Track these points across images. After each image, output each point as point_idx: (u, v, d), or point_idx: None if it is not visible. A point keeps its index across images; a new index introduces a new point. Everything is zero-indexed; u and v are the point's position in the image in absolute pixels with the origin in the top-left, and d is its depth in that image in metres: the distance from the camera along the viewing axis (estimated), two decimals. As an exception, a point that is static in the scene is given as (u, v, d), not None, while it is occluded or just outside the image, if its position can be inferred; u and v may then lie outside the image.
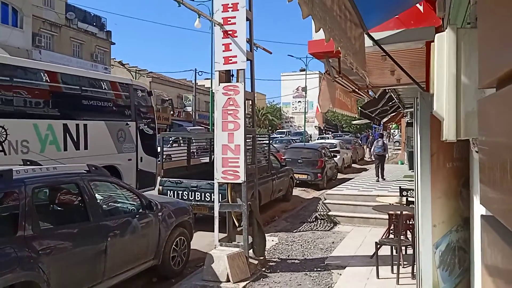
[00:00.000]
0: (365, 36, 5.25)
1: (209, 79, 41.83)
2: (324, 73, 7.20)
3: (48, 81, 8.06)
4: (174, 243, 5.81)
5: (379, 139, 14.24)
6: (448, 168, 2.72)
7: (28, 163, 5.13)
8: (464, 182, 2.64)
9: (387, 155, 14.38)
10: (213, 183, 7.59)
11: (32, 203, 4.00)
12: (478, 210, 2.01)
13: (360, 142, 32.87)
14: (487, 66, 0.95)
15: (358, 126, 55.27)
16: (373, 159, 15.34)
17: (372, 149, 16.34)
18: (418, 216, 2.71)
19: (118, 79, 10.60)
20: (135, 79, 37.57)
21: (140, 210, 5.38)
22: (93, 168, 5.03)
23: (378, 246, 5.72)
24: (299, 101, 74.29)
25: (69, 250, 4.17)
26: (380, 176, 12.66)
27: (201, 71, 38.12)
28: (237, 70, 6.20)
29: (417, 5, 5.54)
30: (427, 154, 2.68)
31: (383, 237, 6.55)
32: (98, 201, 4.90)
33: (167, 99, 24.15)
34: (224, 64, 6.05)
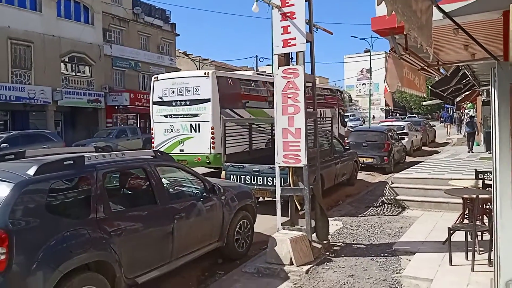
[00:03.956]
0: (434, 8, 4.87)
1: (270, 65, 41.80)
2: (390, 51, 6.82)
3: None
4: (238, 226, 5.90)
5: (469, 120, 17.32)
6: (529, 147, 2.41)
7: (100, 150, 5.45)
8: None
9: (476, 133, 16.83)
10: (275, 167, 7.60)
11: (103, 187, 4.23)
12: None
13: (445, 121, 36.75)
14: None
15: (429, 107, 52.42)
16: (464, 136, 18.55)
17: (463, 129, 21.55)
18: (496, 200, 2.44)
19: (335, 87, 24.09)
20: (199, 68, 38.59)
21: (204, 194, 5.51)
22: (159, 153, 5.22)
23: (451, 231, 5.38)
24: (363, 83, 71.97)
25: (138, 231, 4.38)
26: (470, 148, 15.13)
27: (262, 57, 38.04)
28: (296, 52, 6.07)
29: (492, -29, 5.05)
30: (506, 132, 2.38)
31: (457, 222, 6.15)
32: (164, 185, 5.08)
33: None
34: (283, 47, 5.95)
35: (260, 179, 8.30)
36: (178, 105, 12.19)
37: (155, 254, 4.56)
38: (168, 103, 12.34)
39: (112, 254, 3.99)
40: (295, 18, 5.82)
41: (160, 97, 12.56)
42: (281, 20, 5.90)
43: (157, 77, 13.03)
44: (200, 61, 40.69)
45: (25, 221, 3.49)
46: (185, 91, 12.09)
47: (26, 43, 23.18)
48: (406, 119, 33.76)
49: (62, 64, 25.69)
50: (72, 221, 3.88)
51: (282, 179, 6.15)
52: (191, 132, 11.64)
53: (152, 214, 4.64)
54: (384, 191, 9.23)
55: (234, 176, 8.53)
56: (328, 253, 5.77)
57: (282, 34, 5.92)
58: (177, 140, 12.25)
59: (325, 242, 6.01)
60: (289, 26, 5.87)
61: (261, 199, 8.39)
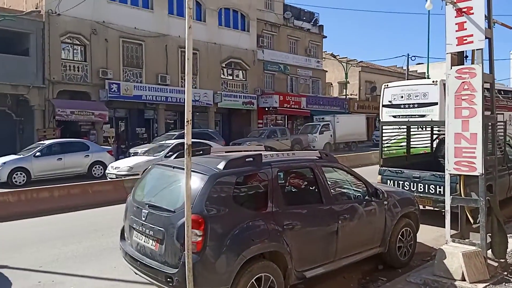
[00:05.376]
0: None
1: (422, 63, 38.96)
2: None
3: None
4: (400, 234, 5.70)
5: None
6: None
7: (269, 149, 5.86)
8: None
9: None
10: (438, 174, 7.10)
11: (278, 183, 4.55)
12: None
13: None
14: None
15: None
16: None
17: None
18: None
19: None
20: (345, 70, 38.18)
21: (366, 197, 5.46)
22: (325, 155, 5.37)
23: None
24: (537, 83, 61.87)
25: (307, 227, 4.57)
26: None
27: (414, 56, 35.67)
28: (472, 50, 5.60)
29: None
30: None
31: None
32: (328, 185, 5.20)
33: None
34: (457, 45, 5.55)
35: (420, 186, 7.84)
36: (406, 108, 13.94)
37: (321, 251, 4.71)
38: (397, 106, 14.14)
39: (284, 246, 4.26)
40: (472, 13, 5.39)
41: (390, 101, 14.29)
42: (455, 17, 5.52)
43: (387, 85, 14.87)
44: (347, 62, 40.18)
45: (216, 209, 3.97)
46: (413, 96, 13.85)
47: (193, 51, 26.07)
48: None
49: (221, 69, 28.31)
50: (252, 213, 4.25)
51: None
52: (417, 130, 12.74)
53: (319, 213, 4.79)
54: None
55: (391, 181, 8.24)
56: (506, 273, 5.16)
57: (456, 31, 5.53)
58: (403, 136, 14.25)
59: (502, 260, 5.39)
60: (465, 22, 5.46)
61: (420, 207, 7.92)
